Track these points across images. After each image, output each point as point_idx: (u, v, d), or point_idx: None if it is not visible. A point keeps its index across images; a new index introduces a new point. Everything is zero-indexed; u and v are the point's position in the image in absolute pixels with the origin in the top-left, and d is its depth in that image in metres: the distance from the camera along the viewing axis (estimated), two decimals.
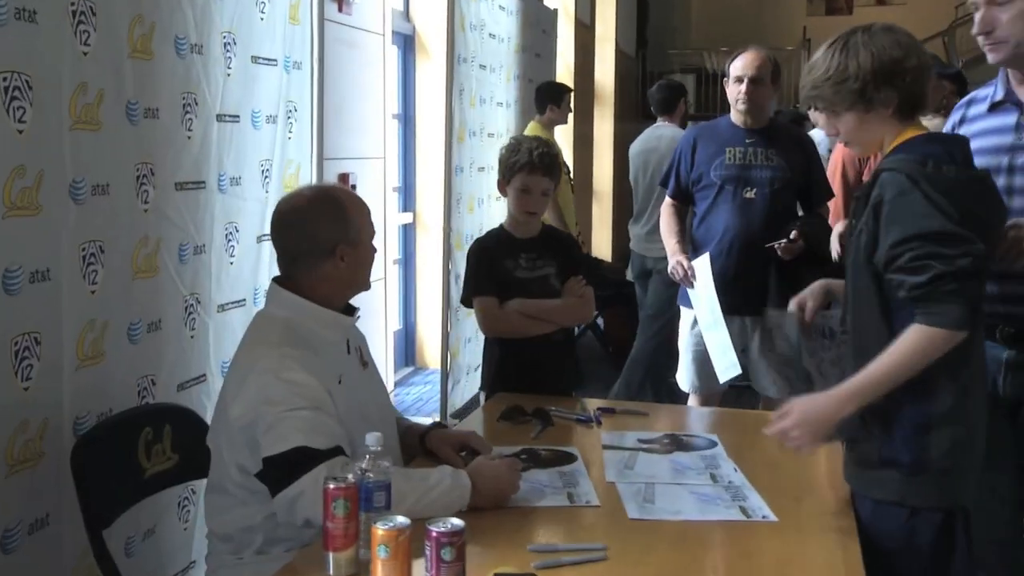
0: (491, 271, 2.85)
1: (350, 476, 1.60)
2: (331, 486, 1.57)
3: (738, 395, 4.27)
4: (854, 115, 1.92)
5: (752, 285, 3.52)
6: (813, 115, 4.89)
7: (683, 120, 5.56)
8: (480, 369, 3.11)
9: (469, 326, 5.23)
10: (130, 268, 2.42)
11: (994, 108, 2.23)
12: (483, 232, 5.40)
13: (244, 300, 2.95)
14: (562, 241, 3.01)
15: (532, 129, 5.55)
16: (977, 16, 2.12)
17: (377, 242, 2.18)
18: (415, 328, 6.15)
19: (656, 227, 4.97)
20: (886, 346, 1.79)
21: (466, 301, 2.93)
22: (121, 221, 2.37)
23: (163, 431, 2.27)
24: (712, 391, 3.67)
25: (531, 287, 2.84)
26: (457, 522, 1.49)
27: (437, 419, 4.53)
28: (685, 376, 3.75)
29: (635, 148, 5.46)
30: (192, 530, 2.72)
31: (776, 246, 3.41)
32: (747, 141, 3.53)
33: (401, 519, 1.50)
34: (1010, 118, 2.17)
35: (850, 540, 1.81)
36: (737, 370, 3.53)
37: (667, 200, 3.84)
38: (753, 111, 3.53)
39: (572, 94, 5.82)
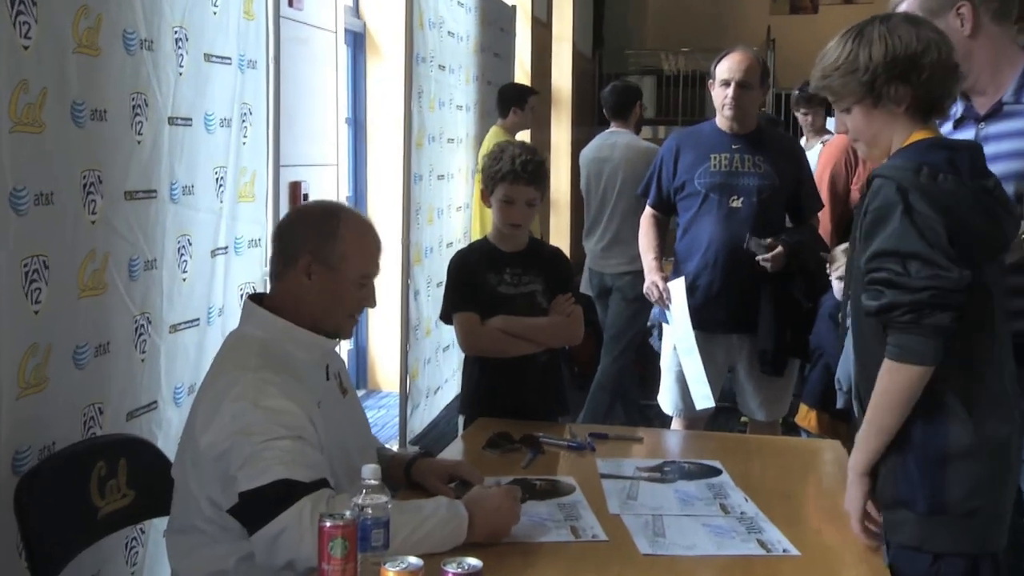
0: (472, 285, 2.81)
1: (347, 513, 1.54)
2: (328, 524, 1.52)
3: (727, 418, 4.28)
4: (861, 109, 1.90)
5: (739, 301, 3.50)
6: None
7: (638, 126, 5.47)
8: (458, 391, 3.07)
9: (428, 346, 5.18)
10: (76, 285, 2.33)
11: (957, 124, 2.32)
12: (442, 243, 5.44)
13: (198, 320, 2.87)
14: (550, 256, 2.97)
15: (495, 135, 5.52)
16: None
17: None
18: (367, 349, 6.07)
19: (613, 241, 4.99)
20: None
21: (445, 317, 2.89)
22: (66, 234, 2.28)
23: (118, 465, 2.19)
24: (697, 414, 3.66)
25: (515, 304, 2.80)
26: (474, 562, 1.45)
27: (408, 448, 4.47)
28: (668, 398, 3.74)
29: (586, 155, 5.34)
30: (141, 574, 2.63)
31: (760, 259, 3.41)
32: (733, 147, 3.53)
33: (413, 560, 1.46)
34: (970, 132, 2.26)
35: (882, 574, 1.80)
36: (710, 402, 3.54)
37: (647, 211, 3.83)
38: (740, 116, 3.53)
39: (536, 96, 5.80)
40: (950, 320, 1.73)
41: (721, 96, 3.53)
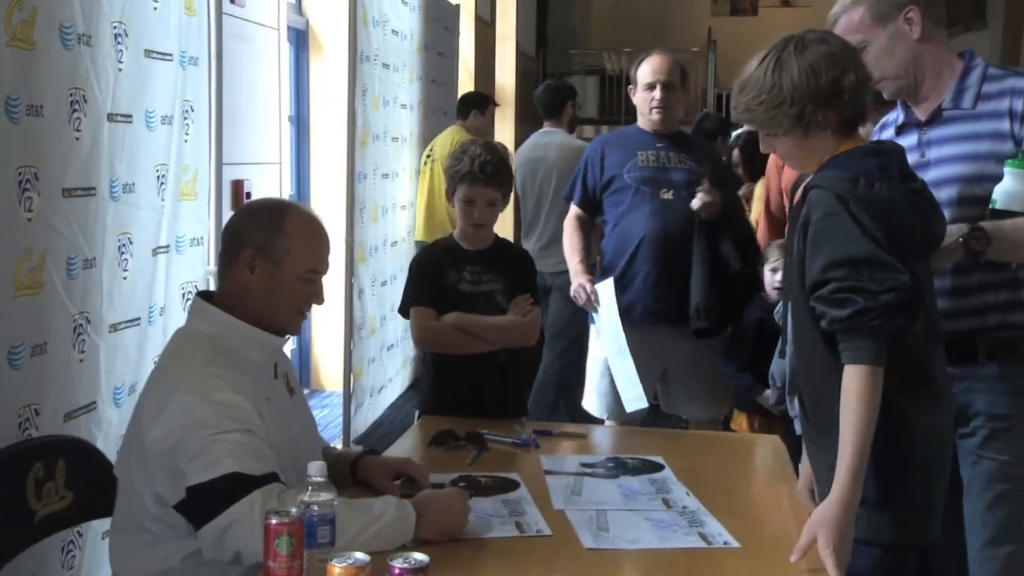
0: (432, 282, 2.81)
1: (293, 510, 1.54)
2: (274, 521, 1.51)
3: (668, 418, 4.31)
4: (792, 139, 1.93)
5: (673, 291, 3.51)
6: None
7: (571, 125, 5.48)
8: (402, 390, 3.06)
9: (373, 345, 5.17)
10: (12, 285, 2.28)
11: (899, 131, 2.37)
12: (387, 242, 5.42)
13: (139, 319, 2.84)
14: (515, 256, 2.98)
15: (454, 132, 5.54)
16: None
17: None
18: (311, 348, 6.03)
19: (551, 240, 5.00)
20: (832, 376, 1.82)
21: (403, 311, 2.89)
22: (1, 232, 2.24)
23: (56, 467, 2.14)
24: (628, 417, 3.63)
25: (474, 303, 2.80)
26: (421, 557, 1.46)
27: (352, 447, 4.45)
28: (596, 401, 3.71)
29: (521, 156, 5.32)
30: None
31: (698, 192, 3.42)
32: (658, 145, 3.57)
33: (360, 555, 1.46)
34: (912, 138, 2.30)
35: (819, 565, 1.83)
36: (643, 403, 3.53)
37: (572, 213, 3.79)
38: (667, 117, 3.56)
39: (496, 108, 5.85)
40: (906, 321, 1.79)
41: (648, 99, 3.55)
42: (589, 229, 3.81)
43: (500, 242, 2.96)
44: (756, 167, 4.79)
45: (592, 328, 3.74)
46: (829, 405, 1.83)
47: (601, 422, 3.71)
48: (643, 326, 3.54)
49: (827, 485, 1.84)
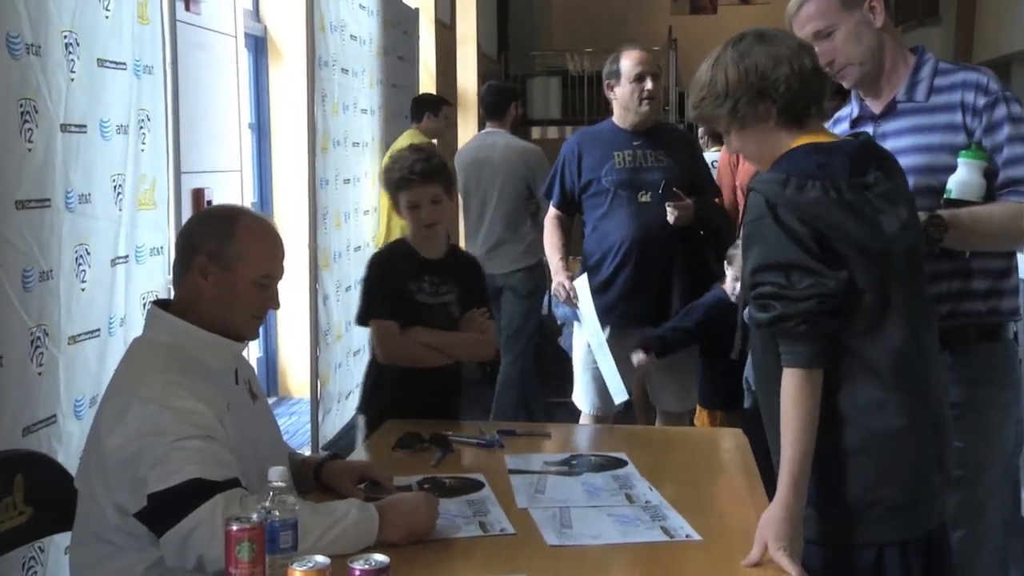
0: (392, 291, 2.80)
1: (254, 516, 1.54)
2: (235, 528, 1.51)
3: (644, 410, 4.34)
4: (735, 132, 1.97)
5: (653, 294, 3.56)
6: None
7: (513, 125, 5.47)
8: (358, 393, 3.06)
9: (339, 351, 5.15)
10: None
11: (854, 124, 2.40)
12: (350, 247, 5.41)
13: (98, 331, 2.81)
14: (467, 265, 2.98)
15: (410, 136, 5.53)
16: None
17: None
18: (277, 355, 6.01)
19: (498, 242, 5.03)
20: (775, 378, 1.84)
21: (360, 320, 2.88)
22: None
23: (13, 482, 2.12)
24: (610, 411, 3.72)
25: (433, 314, 2.80)
26: (381, 558, 1.47)
27: (321, 454, 4.43)
28: (584, 396, 3.78)
29: (464, 158, 5.30)
30: None
31: (668, 206, 3.46)
32: (634, 144, 3.60)
33: (320, 559, 1.46)
34: (867, 131, 2.32)
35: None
36: (625, 396, 3.59)
37: (551, 212, 3.87)
38: (656, 108, 3.62)
39: (451, 108, 5.83)
40: (838, 324, 1.80)
41: (637, 91, 3.56)
42: (568, 227, 3.87)
43: (452, 249, 2.96)
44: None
45: (577, 326, 3.79)
46: (775, 406, 1.86)
47: (569, 418, 3.77)
48: (623, 327, 3.59)
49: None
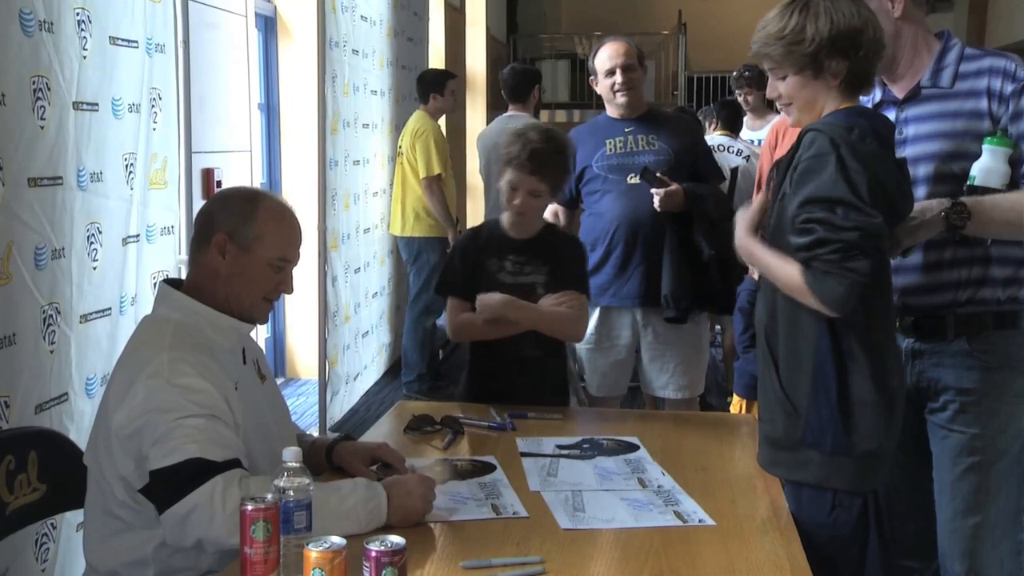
0: (466, 269, 2.77)
1: (269, 496, 1.54)
2: (250, 507, 1.51)
3: (633, 397, 4.35)
4: (800, 79, 2.01)
5: (645, 273, 3.56)
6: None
7: (536, 109, 5.47)
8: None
9: (347, 333, 5.16)
10: None
11: (876, 109, 2.37)
12: (359, 229, 5.39)
13: (110, 309, 2.81)
14: (563, 247, 2.87)
15: (418, 119, 5.50)
16: None
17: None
18: (285, 336, 6.01)
19: None
20: (812, 310, 1.90)
21: (440, 291, 2.87)
22: None
23: (28, 459, 2.13)
24: (613, 392, 3.73)
25: (512, 294, 2.71)
26: (398, 540, 1.46)
27: (329, 435, 4.43)
28: (589, 378, 3.79)
29: (485, 140, 5.26)
30: (52, 570, 2.58)
31: (652, 191, 3.45)
32: (626, 130, 3.61)
33: (336, 539, 1.45)
34: (890, 116, 2.32)
35: (792, 539, 1.85)
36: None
37: (550, 207, 3.82)
38: (633, 100, 3.60)
39: (455, 80, 5.79)
40: (869, 268, 1.83)
41: (609, 85, 3.60)
42: (569, 221, 3.86)
43: (548, 229, 2.87)
44: None
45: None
46: (784, 341, 1.97)
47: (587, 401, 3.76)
48: (616, 308, 3.58)
49: (772, 411, 2.01)
